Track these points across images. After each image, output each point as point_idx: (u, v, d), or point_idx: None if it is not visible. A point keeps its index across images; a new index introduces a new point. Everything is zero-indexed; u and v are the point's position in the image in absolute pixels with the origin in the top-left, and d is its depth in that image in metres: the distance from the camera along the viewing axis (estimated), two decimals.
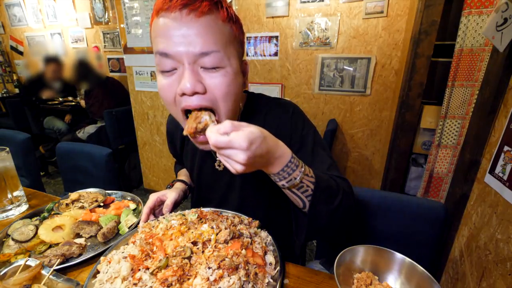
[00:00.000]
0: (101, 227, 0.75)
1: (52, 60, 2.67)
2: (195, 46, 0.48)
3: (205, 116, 0.51)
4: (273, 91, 2.33)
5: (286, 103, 0.72)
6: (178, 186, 0.82)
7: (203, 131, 0.50)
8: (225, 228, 0.61)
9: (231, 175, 0.71)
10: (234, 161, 0.43)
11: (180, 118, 0.57)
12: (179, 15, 0.47)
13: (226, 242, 0.57)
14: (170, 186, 0.84)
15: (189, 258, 0.54)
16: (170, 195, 0.75)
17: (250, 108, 0.71)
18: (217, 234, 0.59)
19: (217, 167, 0.74)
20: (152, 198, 0.74)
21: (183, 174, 0.92)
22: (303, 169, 0.50)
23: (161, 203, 0.76)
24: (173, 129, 0.85)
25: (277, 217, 0.81)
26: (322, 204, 0.52)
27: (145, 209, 0.72)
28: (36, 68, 2.78)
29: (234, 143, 0.40)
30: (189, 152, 0.81)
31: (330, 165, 0.64)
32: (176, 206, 0.77)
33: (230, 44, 0.52)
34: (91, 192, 0.95)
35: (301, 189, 0.50)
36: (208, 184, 0.79)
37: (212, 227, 0.61)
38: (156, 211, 0.76)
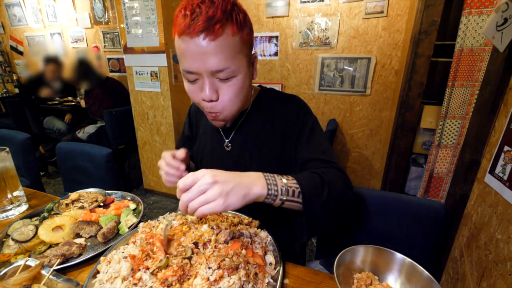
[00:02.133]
0: (101, 227, 0.75)
1: (51, 60, 2.66)
2: (211, 64, 0.57)
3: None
4: None
5: (293, 97, 0.80)
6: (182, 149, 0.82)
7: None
8: (225, 228, 0.61)
9: (238, 156, 0.78)
10: (212, 200, 0.47)
11: (205, 113, 0.70)
12: (197, 39, 0.55)
13: (226, 242, 0.58)
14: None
15: (190, 258, 0.54)
16: (180, 150, 0.72)
17: (261, 100, 0.80)
18: (217, 234, 0.59)
19: (226, 148, 0.80)
20: (168, 153, 0.70)
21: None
22: (279, 176, 0.57)
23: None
24: (196, 111, 0.92)
25: (277, 215, 0.82)
26: (314, 200, 0.56)
27: (171, 160, 0.68)
28: (36, 68, 2.78)
29: (197, 175, 0.48)
30: (203, 134, 0.88)
31: (324, 150, 0.69)
32: (187, 159, 0.74)
33: (240, 53, 0.60)
34: (91, 192, 0.95)
35: (293, 195, 0.55)
36: (219, 163, 0.83)
37: (212, 228, 0.61)
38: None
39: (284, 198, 0.55)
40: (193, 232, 0.60)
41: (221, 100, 0.63)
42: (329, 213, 0.58)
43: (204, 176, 0.48)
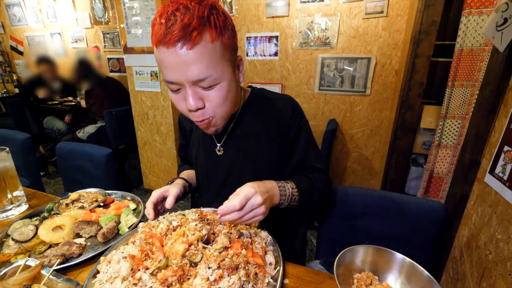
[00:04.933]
0: (101, 227, 0.75)
1: (44, 61, 2.66)
2: (192, 74, 0.55)
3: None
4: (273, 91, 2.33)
5: (287, 97, 0.80)
6: (179, 182, 0.84)
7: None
8: (225, 233, 0.61)
9: (231, 160, 0.81)
10: (257, 208, 0.57)
11: (193, 121, 0.69)
12: (174, 50, 0.53)
13: (226, 248, 0.57)
14: (171, 182, 0.86)
15: (196, 264, 0.53)
16: (171, 191, 0.76)
17: (252, 101, 0.79)
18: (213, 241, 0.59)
19: (217, 152, 0.80)
20: (155, 194, 0.74)
21: (185, 174, 0.94)
22: (288, 184, 0.68)
23: (163, 199, 0.76)
24: (184, 119, 0.92)
25: (277, 214, 0.82)
26: (306, 203, 0.72)
27: (149, 205, 0.72)
28: (36, 68, 2.78)
29: (247, 193, 0.56)
30: (195, 139, 0.88)
31: (318, 158, 0.79)
32: (177, 201, 0.78)
33: (221, 59, 0.58)
34: (91, 192, 0.95)
35: (294, 201, 0.69)
36: (212, 167, 0.84)
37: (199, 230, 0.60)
38: (158, 207, 0.77)
39: (286, 204, 0.67)
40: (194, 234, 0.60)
41: (208, 106, 0.62)
42: (314, 210, 0.80)
43: (255, 196, 0.56)
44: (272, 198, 0.62)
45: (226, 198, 0.57)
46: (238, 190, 0.58)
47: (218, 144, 0.80)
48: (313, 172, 0.77)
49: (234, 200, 0.54)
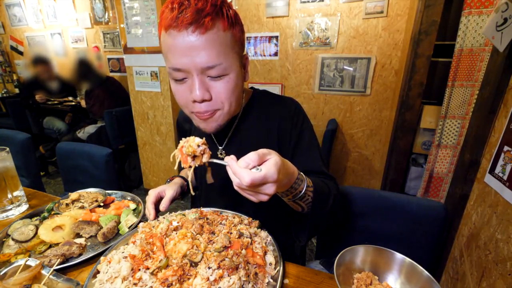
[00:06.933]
0: (101, 227, 0.75)
1: (40, 61, 2.66)
2: (201, 60, 0.53)
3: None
4: (273, 91, 2.33)
5: (289, 100, 0.78)
6: (177, 181, 0.83)
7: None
8: (225, 233, 0.61)
9: None
10: (262, 194, 0.45)
11: (192, 117, 0.66)
12: (185, 33, 0.51)
13: (226, 247, 0.57)
14: (170, 180, 0.85)
15: (196, 264, 0.53)
16: (168, 192, 0.75)
17: (254, 103, 0.77)
18: (212, 242, 0.59)
19: (219, 155, 0.78)
20: (153, 193, 0.74)
21: (184, 172, 0.94)
22: (305, 181, 0.56)
23: (160, 199, 0.76)
24: (183, 120, 0.90)
25: (277, 215, 0.82)
26: (319, 209, 0.60)
27: (150, 205, 0.72)
28: (33, 68, 2.78)
29: (268, 177, 0.42)
30: None
31: (322, 162, 0.72)
32: (173, 201, 0.78)
33: (231, 50, 0.57)
34: (91, 192, 0.95)
35: (303, 199, 0.56)
36: (213, 172, 0.81)
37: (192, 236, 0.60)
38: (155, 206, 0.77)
39: (291, 198, 0.56)
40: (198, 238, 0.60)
41: (215, 98, 0.59)
42: (327, 219, 0.66)
43: (271, 185, 0.44)
44: (282, 188, 0.52)
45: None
46: (262, 153, 0.44)
47: (220, 147, 0.78)
48: (324, 178, 0.69)
49: (248, 175, 0.41)
